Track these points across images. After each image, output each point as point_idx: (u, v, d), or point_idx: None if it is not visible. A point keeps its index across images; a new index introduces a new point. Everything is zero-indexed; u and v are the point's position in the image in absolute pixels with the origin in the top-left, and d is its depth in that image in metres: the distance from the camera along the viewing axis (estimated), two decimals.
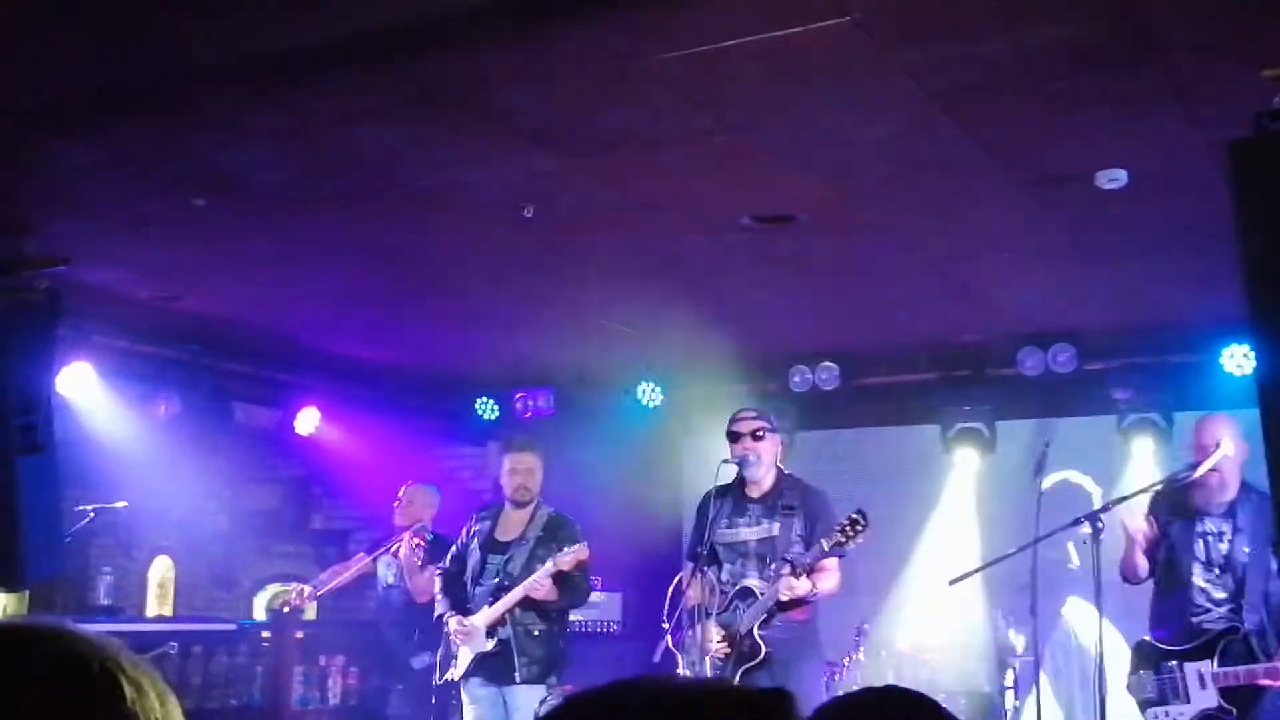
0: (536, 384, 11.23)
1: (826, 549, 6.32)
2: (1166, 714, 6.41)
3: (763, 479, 6.70)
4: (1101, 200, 6.33)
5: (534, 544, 7.23)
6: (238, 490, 12.26)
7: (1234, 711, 6.25)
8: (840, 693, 8.02)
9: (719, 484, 6.80)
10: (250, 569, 12.49)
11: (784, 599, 6.34)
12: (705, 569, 6.69)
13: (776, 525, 6.55)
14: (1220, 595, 6.37)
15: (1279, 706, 6.37)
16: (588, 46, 4.84)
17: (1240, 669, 6.27)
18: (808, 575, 6.34)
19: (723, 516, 6.67)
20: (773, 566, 6.47)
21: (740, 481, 6.73)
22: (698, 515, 6.88)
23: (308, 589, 9.39)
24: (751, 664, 6.39)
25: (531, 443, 7.41)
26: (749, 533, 6.61)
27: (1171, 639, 6.53)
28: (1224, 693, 6.29)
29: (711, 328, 9.40)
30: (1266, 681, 6.22)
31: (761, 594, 6.41)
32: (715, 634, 6.46)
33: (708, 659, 6.44)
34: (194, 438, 10.20)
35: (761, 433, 6.69)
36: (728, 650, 6.43)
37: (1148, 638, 6.69)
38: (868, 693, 2.21)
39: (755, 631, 6.38)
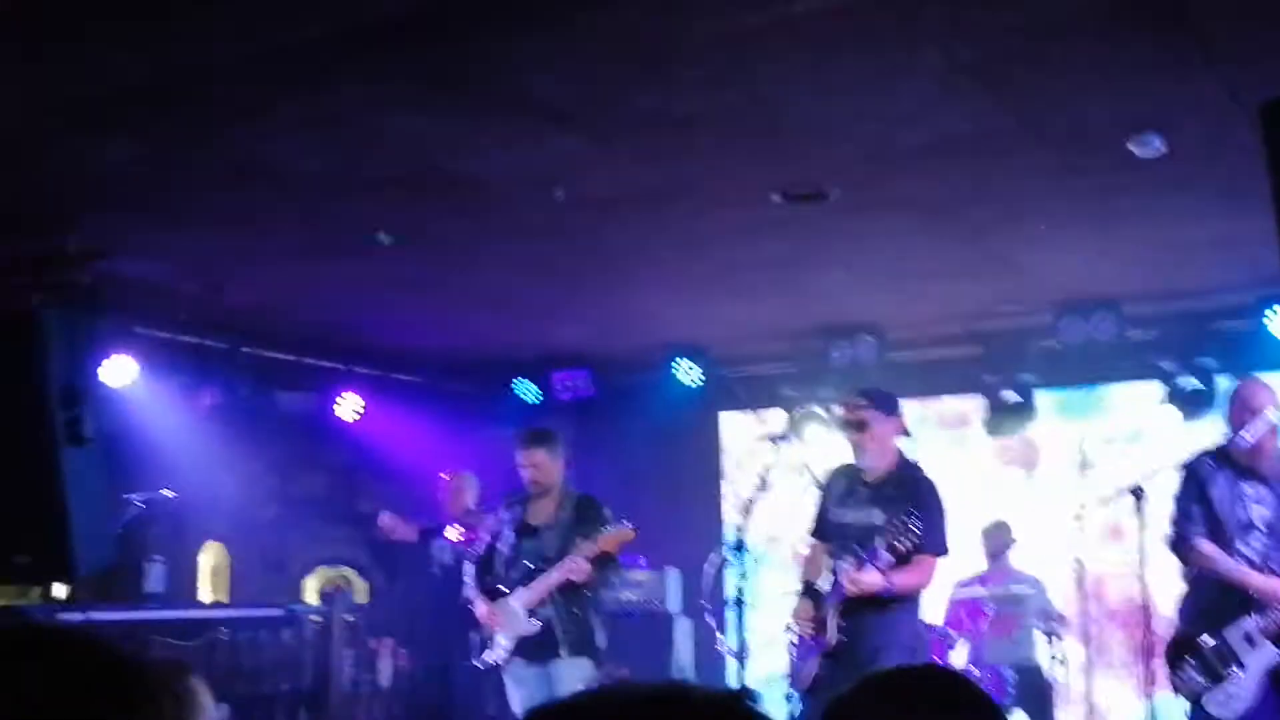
0: (575, 365, 11.29)
1: (888, 554, 6.18)
2: (1226, 694, 6.04)
3: (876, 465, 6.55)
4: (1138, 166, 6.28)
5: (565, 527, 7.26)
6: (285, 477, 12.34)
7: None
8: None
9: (844, 463, 6.73)
10: (300, 554, 12.59)
11: (850, 593, 6.25)
12: (813, 544, 6.69)
13: (879, 513, 6.38)
14: (1258, 561, 6.25)
15: None
16: (616, 28, 4.85)
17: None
18: (882, 571, 6.19)
19: (836, 496, 6.62)
20: (868, 553, 6.38)
21: (857, 464, 6.62)
22: (820, 491, 6.82)
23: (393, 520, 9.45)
24: (827, 651, 6.33)
25: (540, 439, 7.39)
26: (852, 517, 6.50)
27: (1204, 612, 6.23)
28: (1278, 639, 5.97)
29: (748, 304, 9.42)
30: None
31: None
32: (810, 611, 6.43)
33: (805, 637, 6.41)
34: (239, 426, 10.31)
35: (862, 422, 6.56)
36: (812, 630, 6.40)
37: (1176, 629, 6.36)
38: (907, 670, 2.22)
39: (834, 620, 6.33)
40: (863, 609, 6.29)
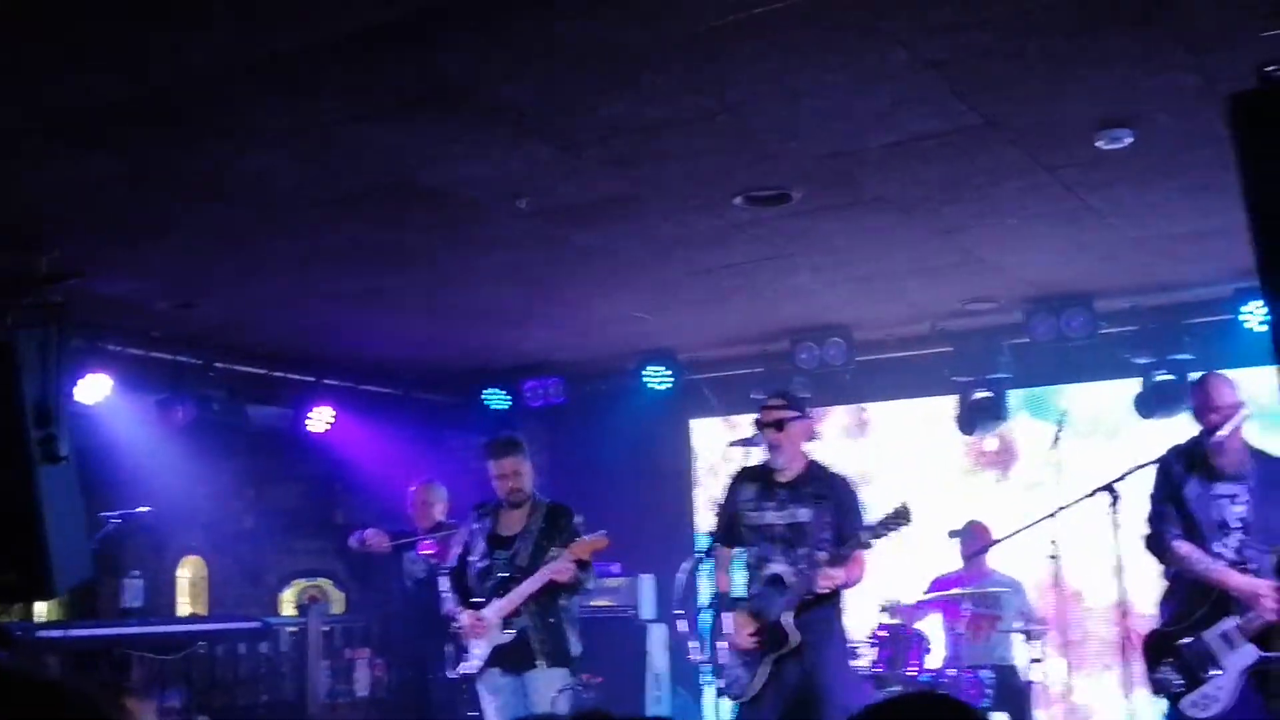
0: (546, 373, 11.31)
1: (866, 540, 6.33)
2: (1204, 697, 6.06)
3: (790, 465, 6.67)
4: (1108, 161, 6.31)
5: (538, 535, 7.27)
6: (259, 490, 12.37)
7: (1278, 656, 5.95)
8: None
9: (746, 466, 6.84)
10: (276, 566, 12.60)
11: (824, 590, 6.35)
12: (719, 551, 6.74)
13: (806, 512, 6.52)
14: (1235, 559, 6.23)
15: None
16: (583, 36, 4.85)
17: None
18: (843, 566, 6.34)
19: (749, 499, 6.67)
20: (800, 552, 6.47)
21: (767, 465, 6.72)
22: (725, 497, 6.88)
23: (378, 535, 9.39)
24: (783, 651, 6.40)
25: (512, 446, 7.41)
26: (775, 517, 6.60)
27: (1183, 613, 6.26)
28: (1261, 640, 5.99)
29: (717, 308, 9.44)
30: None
31: (793, 581, 6.43)
32: (746, 623, 6.48)
33: (742, 646, 6.47)
34: (212, 441, 10.35)
35: (784, 423, 6.66)
36: (759, 640, 6.45)
37: (1155, 629, 6.38)
38: (917, 698, 2.22)
39: (788, 619, 6.38)
40: (810, 604, 6.41)
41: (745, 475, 6.82)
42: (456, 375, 11.51)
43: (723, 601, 6.63)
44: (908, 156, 6.27)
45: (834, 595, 6.51)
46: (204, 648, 9.16)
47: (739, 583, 6.76)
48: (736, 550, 6.79)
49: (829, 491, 6.61)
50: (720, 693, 6.69)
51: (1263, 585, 6.01)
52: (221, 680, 9.51)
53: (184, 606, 11.77)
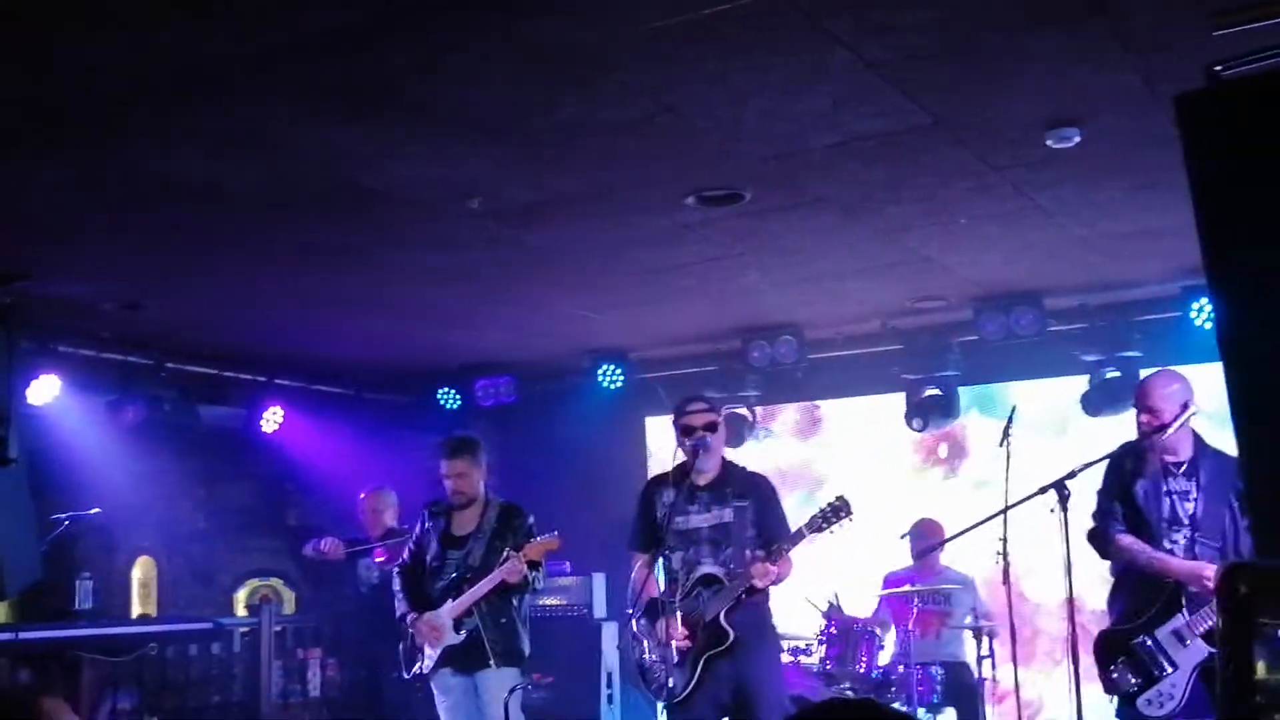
0: (498, 372, 11.30)
1: (808, 534, 6.36)
2: (1159, 694, 6.09)
3: (712, 467, 6.70)
4: (1056, 159, 6.33)
5: (490, 535, 7.27)
6: (212, 490, 12.31)
7: None
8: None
9: (659, 473, 6.90)
10: (229, 566, 12.55)
11: (760, 585, 6.37)
12: (659, 556, 6.73)
13: (729, 512, 6.57)
14: (1185, 556, 6.25)
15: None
16: (534, 39, 4.84)
17: (1212, 601, 5.92)
18: (773, 561, 6.38)
19: (670, 504, 6.65)
20: (728, 552, 6.50)
21: (683, 469, 6.71)
22: (642, 505, 6.89)
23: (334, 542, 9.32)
24: (717, 650, 6.42)
25: (462, 448, 7.40)
26: (700, 520, 6.62)
27: (1133, 611, 6.30)
28: (1209, 638, 5.99)
29: (669, 307, 9.45)
30: None
31: (726, 580, 6.45)
32: (678, 625, 6.49)
33: (673, 647, 6.47)
34: (163, 442, 10.31)
35: (715, 425, 6.71)
36: (692, 640, 6.47)
37: (1106, 628, 6.42)
38: (847, 704, 2.24)
39: (724, 618, 6.41)
40: (743, 602, 6.44)
41: (661, 481, 6.84)
42: (409, 375, 11.49)
43: (654, 606, 6.62)
44: (853, 156, 6.28)
45: (765, 593, 6.55)
46: (155, 649, 9.11)
47: (663, 586, 6.75)
48: (660, 554, 6.76)
49: (749, 491, 6.66)
50: (651, 696, 6.71)
51: (1205, 567, 6.03)
52: (173, 682, 9.46)
53: (136, 608, 11.71)
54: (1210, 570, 6.02)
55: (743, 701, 6.40)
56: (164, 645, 9.29)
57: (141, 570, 12.02)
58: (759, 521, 6.56)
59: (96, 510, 9.27)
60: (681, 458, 6.70)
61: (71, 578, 9.30)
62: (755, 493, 6.66)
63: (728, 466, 6.79)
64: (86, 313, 8.79)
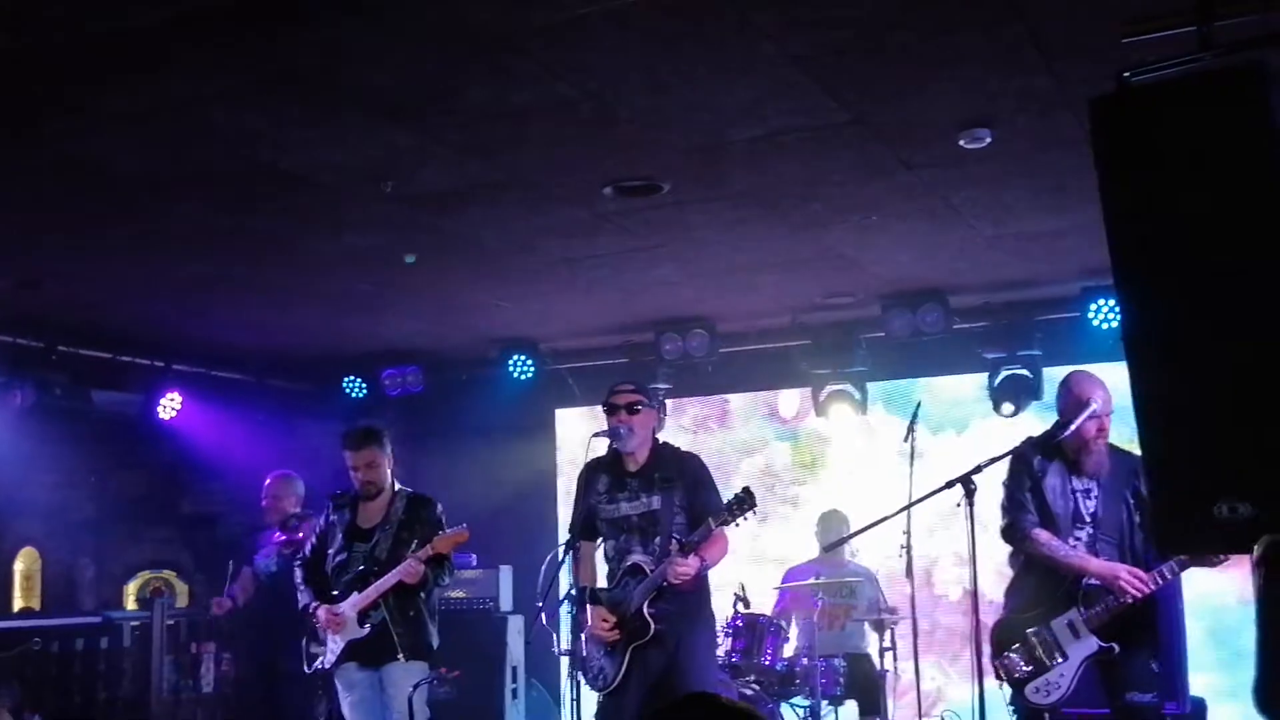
0: (405, 361, 11.16)
1: (714, 528, 6.31)
2: (1047, 684, 6.31)
3: (638, 452, 6.63)
4: (968, 160, 6.38)
5: (397, 527, 7.15)
6: (103, 478, 12.03)
7: (1116, 648, 6.19)
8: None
9: (595, 458, 6.78)
10: (120, 557, 12.28)
11: (675, 583, 6.32)
12: (581, 545, 6.69)
13: (657, 499, 6.50)
14: (1088, 553, 6.40)
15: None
16: (447, 19, 4.73)
17: (1108, 598, 6.20)
18: (695, 553, 6.33)
19: (603, 492, 6.62)
20: (656, 540, 6.44)
21: (617, 455, 6.67)
22: (578, 492, 6.83)
23: (227, 603, 9.09)
24: (641, 641, 6.38)
25: (369, 437, 7.26)
26: (629, 508, 6.56)
27: (1031, 602, 6.49)
28: (1101, 632, 6.24)
29: (581, 298, 9.39)
30: (1134, 592, 6.14)
31: (650, 570, 6.39)
32: (604, 615, 6.44)
33: (600, 639, 6.43)
34: (54, 427, 10.01)
35: (637, 406, 6.61)
36: (617, 634, 6.41)
37: (1003, 616, 6.61)
38: (686, 700, 2.29)
39: (645, 610, 6.36)
40: (667, 592, 6.39)
41: (595, 467, 6.76)
42: (313, 362, 11.31)
43: (584, 595, 6.57)
44: (772, 151, 6.26)
45: (696, 582, 6.48)
46: (39, 644, 8.86)
47: (602, 575, 6.71)
48: (598, 543, 6.74)
49: (677, 473, 6.59)
50: (587, 685, 6.65)
51: (1120, 568, 6.23)
52: (58, 678, 9.21)
53: (18, 601, 11.43)
54: (1124, 570, 6.22)
55: (675, 690, 6.34)
56: (48, 641, 9.04)
57: (24, 562, 11.72)
58: (688, 503, 6.50)
59: None
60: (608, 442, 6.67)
61: None
62: (684, 475, 6.59)
63: (657, 450, 6.72)
64: None
